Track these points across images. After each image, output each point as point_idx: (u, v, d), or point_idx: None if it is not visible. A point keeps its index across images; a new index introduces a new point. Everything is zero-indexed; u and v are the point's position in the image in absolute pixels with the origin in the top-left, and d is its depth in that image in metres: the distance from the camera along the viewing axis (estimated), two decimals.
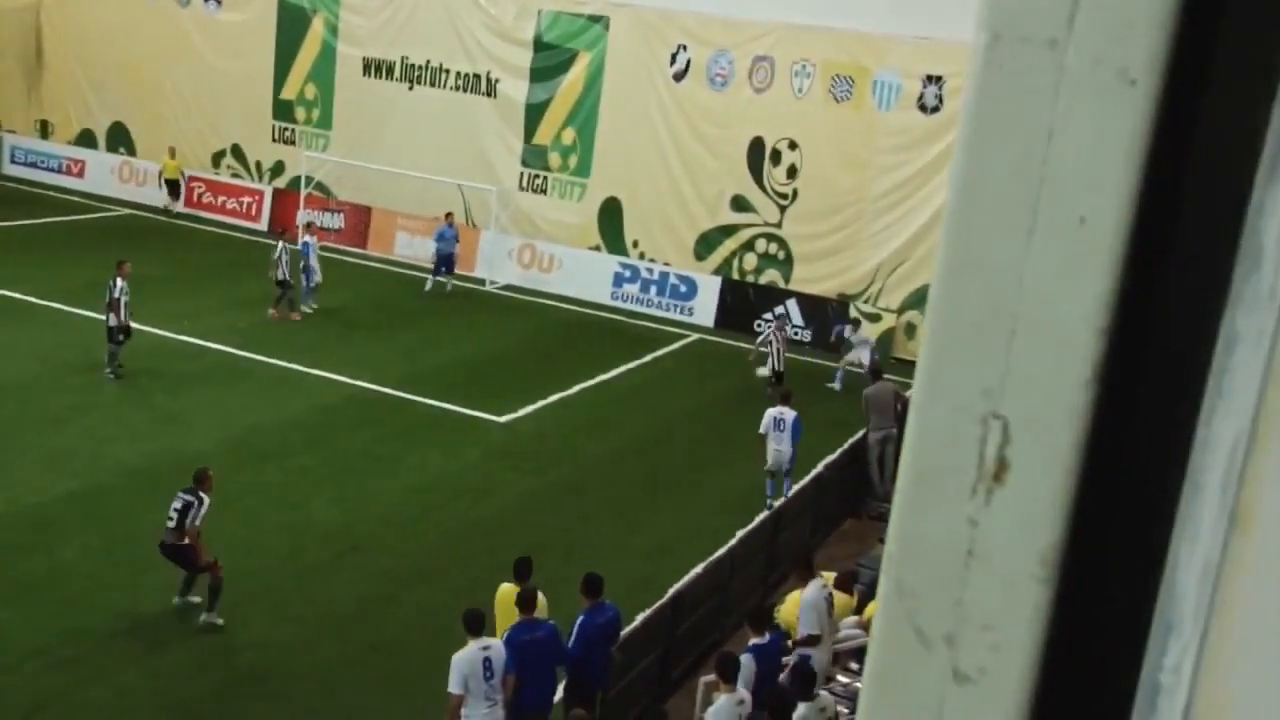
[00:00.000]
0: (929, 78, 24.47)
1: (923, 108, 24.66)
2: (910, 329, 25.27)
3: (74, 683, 10.64)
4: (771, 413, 16.09)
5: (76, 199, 31.72)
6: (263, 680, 11.10)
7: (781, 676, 9.91)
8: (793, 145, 25.98)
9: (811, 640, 10.46)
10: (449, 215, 27.09)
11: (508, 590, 10.46)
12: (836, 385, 22.17)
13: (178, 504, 11.82)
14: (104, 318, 18.55)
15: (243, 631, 11.83)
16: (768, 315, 24.88)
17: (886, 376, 18.58)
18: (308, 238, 23.91)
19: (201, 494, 11.87)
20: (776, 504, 14.97)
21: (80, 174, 32.93)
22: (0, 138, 33.83)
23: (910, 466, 0.85)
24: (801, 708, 8.84)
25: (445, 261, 26.25)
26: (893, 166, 25.09)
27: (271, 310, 22.59)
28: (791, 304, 26.06)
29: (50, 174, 33.13)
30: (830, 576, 11.92)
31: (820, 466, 15.81)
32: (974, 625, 0.80)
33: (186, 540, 11.77)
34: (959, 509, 0.81)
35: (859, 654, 11.16)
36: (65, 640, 11.23)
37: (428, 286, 26.31)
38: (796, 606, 11.20)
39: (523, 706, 9.35)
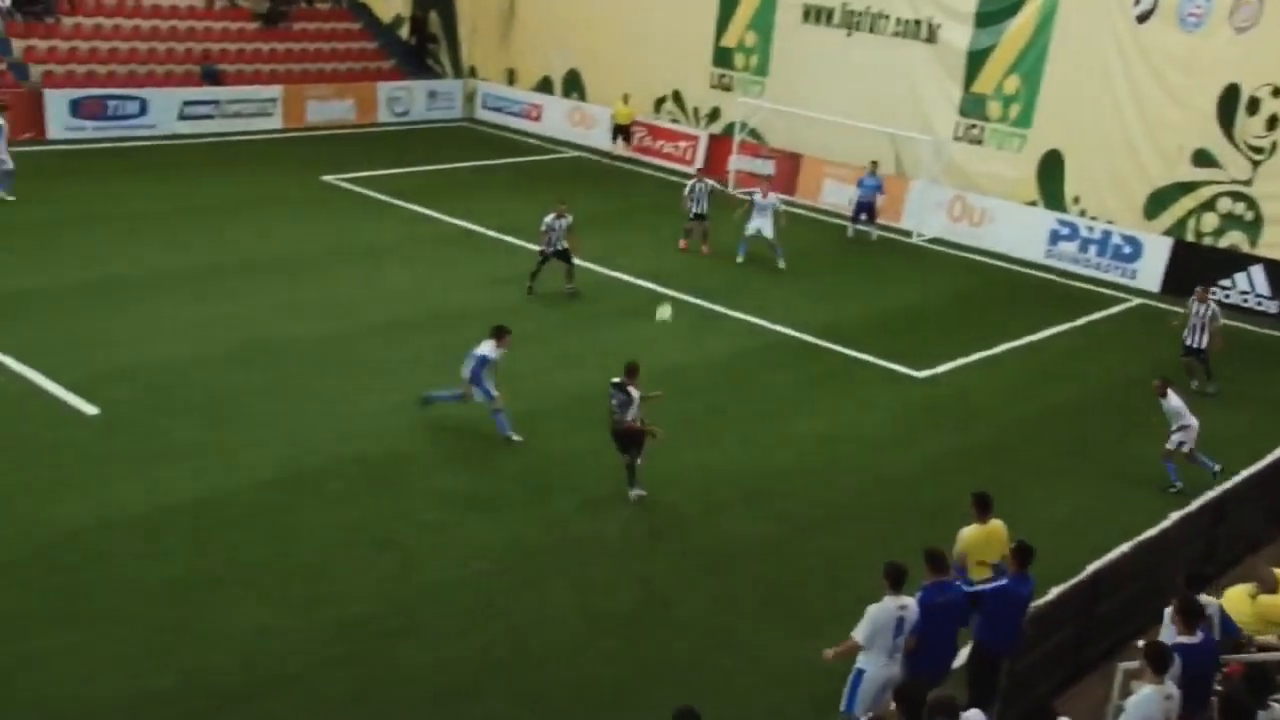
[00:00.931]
0: None
1: None
2: None
3: (509, 586, 11.62)
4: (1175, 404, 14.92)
5: (533, 141, 34.30)
6: (669, 605, 11.59)
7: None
8: (1276, 92, 23.13)
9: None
10: (874, 164, 26.70)
11: (972, 532, 10.64)
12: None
13: (615, 400, 13.27)
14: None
15: (654, 559, 12.39)
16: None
17: None
18: (758, 191, 23.86)
19: (630, 389, 13.23)
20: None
21: (538, 118, 35.56)
22: (476, 85, 37.18)
23: None
24: (1260, 716, 7.97)
25: (865, 209, 26.11)
26: None
27: (682, 241, 23.75)
28: (1256, 270, 23.46)
29: (513, 118, 36.06)
30: None
31: (1278, 452, 14.17)
32: None
33: (631, 428, 13.27)
34: None
35: None
36: (506, 548, 12.29)
37: (849, 234, 26.35)
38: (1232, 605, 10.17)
39: (920, 668, 9.11)
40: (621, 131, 32.71)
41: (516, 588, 11.60)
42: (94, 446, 13.61)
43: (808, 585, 12.06)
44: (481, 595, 11.42)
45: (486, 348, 14.64)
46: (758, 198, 23.65)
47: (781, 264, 23.33)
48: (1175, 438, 14.85)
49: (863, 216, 26.29)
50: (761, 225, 23.44)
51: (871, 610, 8.95)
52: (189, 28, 33.23)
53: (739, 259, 23.51)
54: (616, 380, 13.38)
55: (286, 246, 22.19)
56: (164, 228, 22.63)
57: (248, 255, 21.41)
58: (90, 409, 14.49)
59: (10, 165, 23.57)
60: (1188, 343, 18.54)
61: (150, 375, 15.69)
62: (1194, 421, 14.81)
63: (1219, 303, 19.69)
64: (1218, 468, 14.78)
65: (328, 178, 27.55)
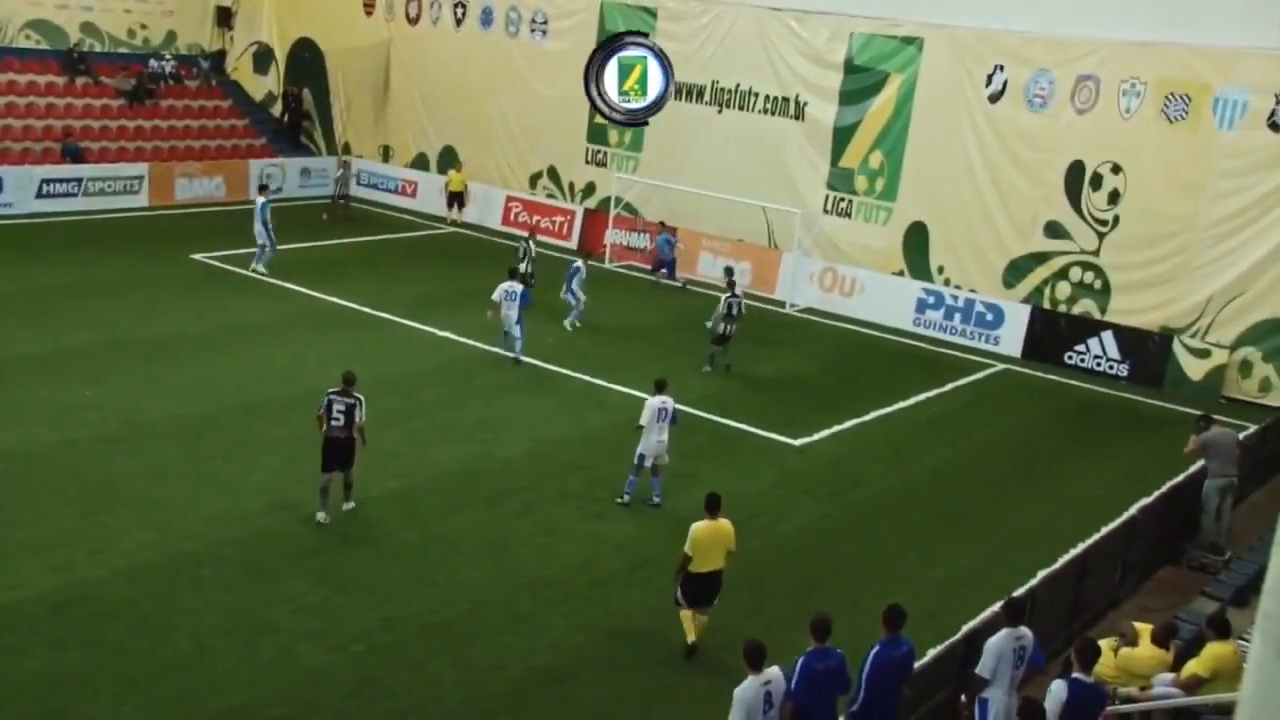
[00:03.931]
0: None
1: (1274, 126, 22.66)
2: (1246, 367, 23.28)
3: (389, 667, 11.40)
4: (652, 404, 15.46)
5: (409, 217, 34.23)
6: (557, 682, 11.51)
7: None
8: (1116, 169, 24.53)
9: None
10: (661, 223, 29.40)
11: (703, 527, 11.98)
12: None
13: (341, 406, 14.06)
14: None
15: (540, 635, 12.31)
16: None
17: (1215, 418, 17.26)
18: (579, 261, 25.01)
19: (358, 395, 14.18)
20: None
21: (413, 194, 35.52)
22: (350, 162, 36.99)
23: None
24: None
25: (665, 265, 28.57)
26: (1232, 191, 23.21)
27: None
28: (1107, 335, 24.61)
29: (388, 194, 35.95)
30: (1146, 629, 11.14)
31: (1134, 509, 14.82)
32: None
33: (356, 435, 14.16)
34: None
35: (1177, 715, 10.35)
36: (384, 627, 12.08)
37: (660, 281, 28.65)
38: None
39: None
40: (456, 199, 33.16)
41: (398, 669, 11.39)
42: None
43: (697, 658, 12.10)
44: (362, 678, 11.18)
45: None
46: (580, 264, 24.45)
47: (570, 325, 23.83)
48: (639, 448, 15.33)
49: (663, 270, 28.45)
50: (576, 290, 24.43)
51: (738, 694, 9.04)
52: (48, 104, 32.45)
53: (576, 327, 23.73)
54: (343, 390, 14.14)
55: (156, 326, 21.64)
56: (24, 309, 21.85)
57: (115, 336, 20.82)
58: None
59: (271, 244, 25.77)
60: (721, 331, 21.39)
61: (8, 462, 15.08)
62: (657, 434, 15.22)
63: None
64: (657, 499, 15.44)
65: (198, 256, 27.02)
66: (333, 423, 14.04)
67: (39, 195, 29.82)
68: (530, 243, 26.31)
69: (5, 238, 27.40)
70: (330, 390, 14.25)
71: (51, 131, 31.64)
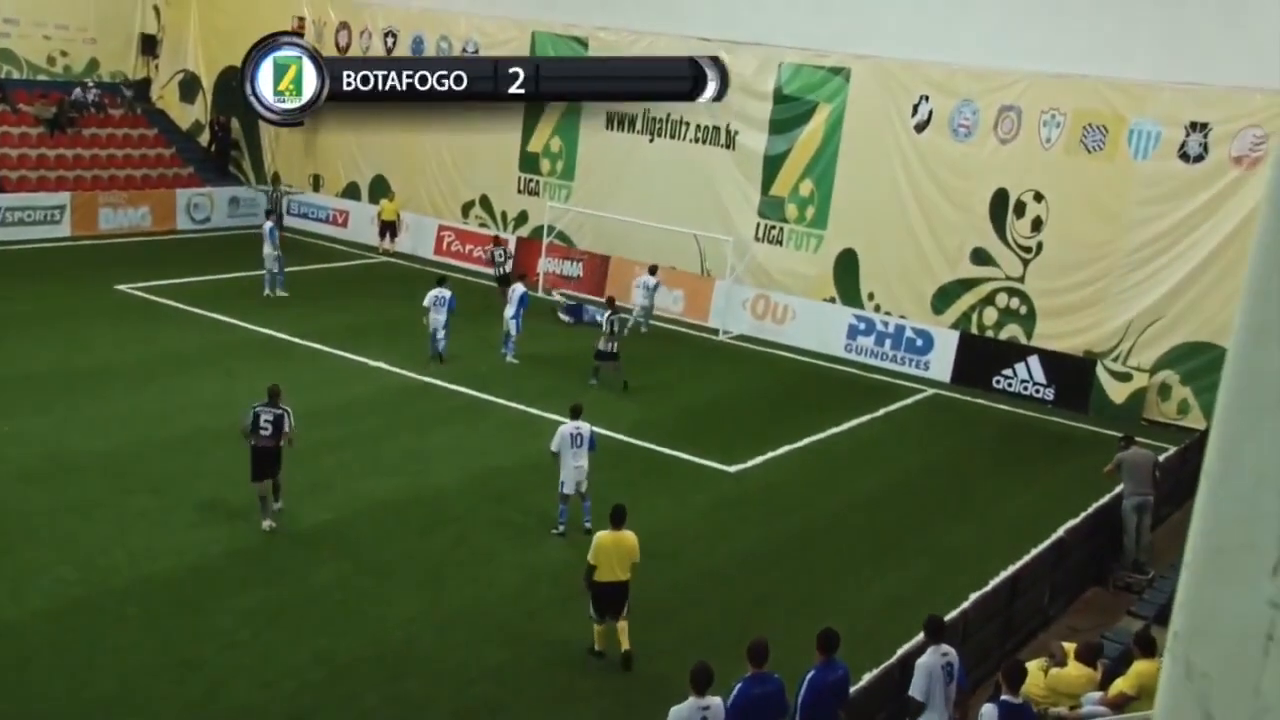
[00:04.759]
0: (1193, 125, 23.19)
1: (1184, 156, 23.35)
2: (1164, 390, 23.84)
3: (322, 703, 11.23)
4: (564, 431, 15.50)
5: (340, 247, 33.92)
6: (496, 712, 11.41)
7: None
8: (1038, 197, 25.09)
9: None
10: (611, 298, 28.47)
11: (606, 537, 12.34)
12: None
13: (269, 416, 14.42)
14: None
15: (476, 663, 12.20)
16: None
17: (1137, 440, 17.63)
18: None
19: (285, 407, 14.57)
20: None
21: (344, 224, 35.22)
22: (281, 191, 36.61)
23: (1202, 541, 0.79)
24: None
25: (583, 317, 27.27)
26: (1148, 219, 23.84)
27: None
28: (1033, 360, 25.07)
29: (319, 224, 35.60)
30: (1071, 648, 11.32)
31: (1061, 531, 15.08)
32: (1276, 715, 0.73)
33: (284, 444, 14.48)
34: (1258, 590, 0.75)
35: None
36: (315, 662, 11.88)
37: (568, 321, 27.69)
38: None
39: None
40: (388, 228, 33.02)
41: (331, 704, 11.22)
42: None
43: (633, 683, 12.06)
44: (294, 714, 10.99)
45: None
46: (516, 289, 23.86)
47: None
48: (560, 476, 15.28)
49: (571, 320, 27.32)
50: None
51: (672, 714, 9.05)
52: None
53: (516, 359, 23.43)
54: (268, 403, 14.51)
55: (79, 358, 21.18)
56: None
57: (36, 368, 20.34)
58: None
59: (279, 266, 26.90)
60: (602, 348, 22.04)
61: None
62: (574, 459, 15.16)
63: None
64: (588, 525, 15.20)
65: (122, 287, 26.54)
66: (261, 432, 14.39)
67: None
68: (498, 250, 29.84)
69: None
70: (255, 404, 14.60)
71: None
